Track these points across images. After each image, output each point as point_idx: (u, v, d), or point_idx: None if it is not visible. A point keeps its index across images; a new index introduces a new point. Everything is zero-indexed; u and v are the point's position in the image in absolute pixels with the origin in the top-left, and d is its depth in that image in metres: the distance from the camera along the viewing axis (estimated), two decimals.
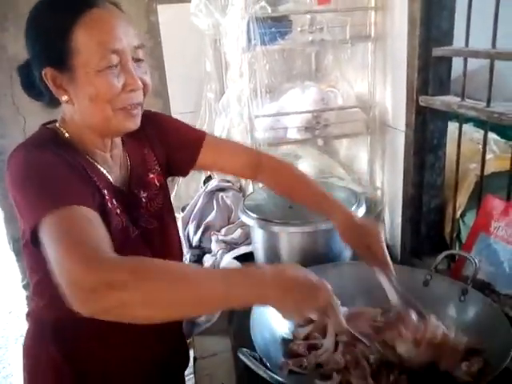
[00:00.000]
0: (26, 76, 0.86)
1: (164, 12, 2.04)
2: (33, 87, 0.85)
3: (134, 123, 0.86)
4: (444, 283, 0.97)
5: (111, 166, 0.91)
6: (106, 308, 0.61)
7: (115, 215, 0.86)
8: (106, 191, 0.85)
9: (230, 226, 1.59)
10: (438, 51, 1.20)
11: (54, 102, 0.86)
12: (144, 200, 0.95)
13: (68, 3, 0.80)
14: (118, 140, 0.94)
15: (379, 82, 1.50)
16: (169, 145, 1.03)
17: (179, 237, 1.05)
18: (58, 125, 0.88)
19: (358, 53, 1.53)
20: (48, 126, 0.90)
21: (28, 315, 0.98)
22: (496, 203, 1.09)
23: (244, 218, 1.25)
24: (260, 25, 1.37)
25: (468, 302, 0.91)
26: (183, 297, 0.64)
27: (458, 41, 1.16)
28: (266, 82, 1.49)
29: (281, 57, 1.54)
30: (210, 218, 1.63)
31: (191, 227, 1.64)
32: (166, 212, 1.00)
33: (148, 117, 0.91)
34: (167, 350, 1.00)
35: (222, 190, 1.74)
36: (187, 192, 1.86)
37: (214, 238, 1.57)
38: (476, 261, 0.95)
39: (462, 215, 1.27)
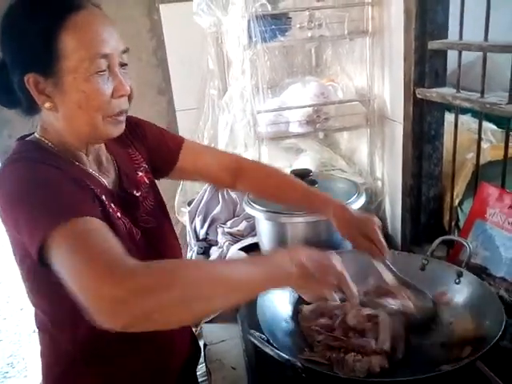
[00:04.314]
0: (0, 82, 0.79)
1: (166, 11, 2.08)
2: (9, 93, 0.78)
3: (121, 129, 0.83)
4: (440, 267, 1.01)
5: (101, 170, 0.89)
6: (143, 315, 0.58)
7: (117, 219, 0.84)
8: (104, 197, 0.82)
9: (235, 218, 1.64)
10: (433, 44, 1.22)
11: (32, 110, 0.81)
12: (140, 199, 0.93)
13: (51, 4, 0.75)
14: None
15: (377, 75, 1.53)
16: (148, 149, 1.01)
17: (175, 233, 1.03)
18: (38, 136, 0.83)
19: (357, 47, 1.57)
20: (27, 138, 0.84)
21: (43, 355, 0.91)
22: (491, 191, 1.13)
23: (249, 210, 1.30)
24: (260, 22, 1.41)
25: (463, 284, 0.95)
26: (218, 288, 0.65)
27: (455, 34, 1.18)
28: (268, 78, 1.53)
29: (281, 53, 1.58)
30: (215, 212, 1.67)
31: (198, 221, 1.69)
32: (159, 209, 0.99)
33: (127, 121, 0.87)
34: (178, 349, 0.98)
35: None
36: (193, 187, 1.90)
37: (220, 230, 1.62)
38: (470, 245, 0.99)
39: (460, 203, 1.31)
